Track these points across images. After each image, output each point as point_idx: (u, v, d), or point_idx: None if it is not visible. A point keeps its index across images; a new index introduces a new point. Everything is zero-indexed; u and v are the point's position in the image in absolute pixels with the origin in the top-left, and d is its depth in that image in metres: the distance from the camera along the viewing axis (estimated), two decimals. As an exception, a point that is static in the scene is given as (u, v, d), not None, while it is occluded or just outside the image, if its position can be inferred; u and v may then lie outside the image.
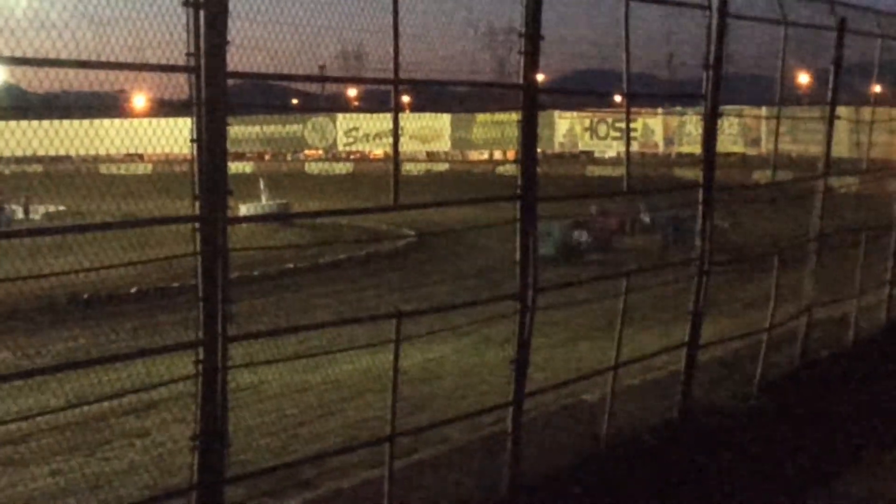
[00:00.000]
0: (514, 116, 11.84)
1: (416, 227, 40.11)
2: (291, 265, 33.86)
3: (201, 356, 9.01)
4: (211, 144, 8.81)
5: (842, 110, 18.58)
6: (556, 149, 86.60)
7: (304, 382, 15.56)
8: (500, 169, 70.59)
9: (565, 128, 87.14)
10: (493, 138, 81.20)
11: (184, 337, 9.55)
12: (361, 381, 15.33)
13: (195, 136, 8.80)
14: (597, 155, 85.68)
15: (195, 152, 8.81)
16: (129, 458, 13.76)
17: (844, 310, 19.41)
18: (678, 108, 52.21)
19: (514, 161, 12.03)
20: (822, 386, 16.62)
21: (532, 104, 11.78)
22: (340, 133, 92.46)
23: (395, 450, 10.97)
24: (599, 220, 38.63)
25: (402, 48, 10.35)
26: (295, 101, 71.43)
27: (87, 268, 10.76)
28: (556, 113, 77.73)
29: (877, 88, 20.06)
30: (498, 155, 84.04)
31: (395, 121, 10.67)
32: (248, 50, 9.19)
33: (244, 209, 38.77)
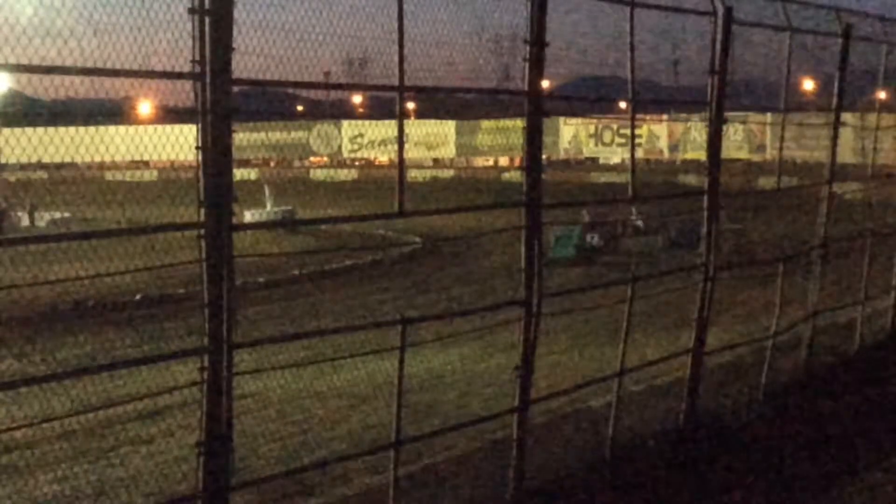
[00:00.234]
0: (520, 123, 11.85)
1: (422, 234, 40.09)
2: (296, 272, 33.83)
3: (206, 363, 9.01)
4: (216, 151, 8.82)
5: (847, 116, 18.58)
6: (562, 155, 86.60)
7: (310, 389, 15.54)
8: (506, 175, 70.57)
9: (570, 134, 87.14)
10: (498, 145, 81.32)
11: (189, 344, 9.56)
12: (367, 387, 15.33)
13: (200, 143, 8.81)
14: (602, 161, 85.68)
15: (200, 159, 8.82)
16: (134, 465, 13.76)
17: (850, 316, 19.39)
18: (683, 115, 52.16)
19: (520, 167, 12.03)
20: (827, 392, 16.60)
21: (537, 111, 11.79)
22: (345, 140, 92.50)
23: (400, 456, 10.97)
24: (607, 223, 39.40)
25: (407, 55, 10.36)
26: (300, 108, 71.61)
27: (92, 275, 10.78)
28: (562, 119, 77.65)
29: (882, 94, 20.05)
30: (503, 161, 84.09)
31: (400, 127, 10.68)
32: (253, 57, 9.20)
33: (249, 216, 38.84)
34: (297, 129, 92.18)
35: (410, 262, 37.97)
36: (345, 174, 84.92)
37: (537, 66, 11.65)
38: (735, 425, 14.92)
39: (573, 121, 78.76)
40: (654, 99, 15.66)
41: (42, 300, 21.06)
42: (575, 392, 14.16)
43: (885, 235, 20.36)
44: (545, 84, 11.95)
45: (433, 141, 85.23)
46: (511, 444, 11.97)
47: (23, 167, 61.33)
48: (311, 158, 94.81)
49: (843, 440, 14.66)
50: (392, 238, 40.97)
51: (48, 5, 8.25)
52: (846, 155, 19.64)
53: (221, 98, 8.79)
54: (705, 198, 14.80)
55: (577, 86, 15.90)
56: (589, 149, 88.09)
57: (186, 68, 8.74)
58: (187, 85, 8.86)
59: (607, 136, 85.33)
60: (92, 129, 11.84)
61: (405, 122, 10.76)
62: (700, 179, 15.23)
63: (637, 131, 14.01)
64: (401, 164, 10.82)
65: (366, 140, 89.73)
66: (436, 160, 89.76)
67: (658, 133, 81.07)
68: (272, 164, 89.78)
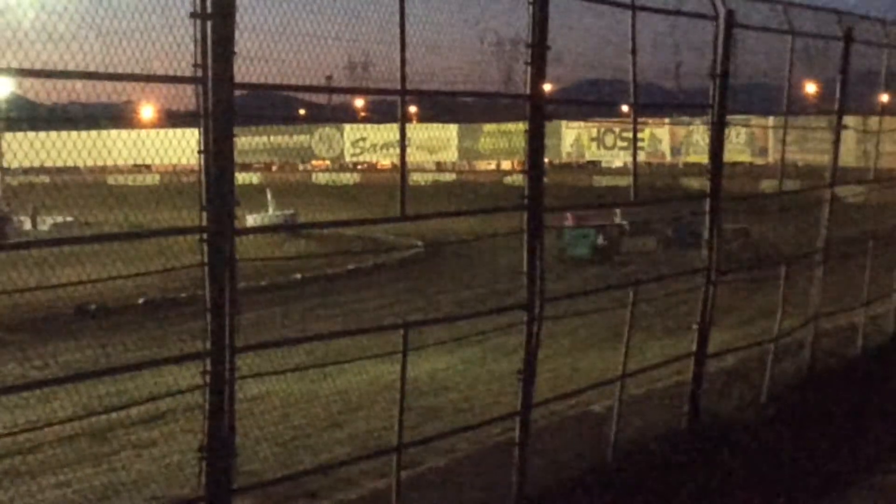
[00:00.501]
0: (522, 126, 11.85)
1: (424, 238, 40.10)
2: (299, 275, 33.85)
3: (209, 367, 9.01)
4: (218, 155, 8.82)
5: (849, 120, 18.58)
6: (564, 158, 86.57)
7: (312, 393, 15.55)
8: (508, 179, 70.53)
9: (572, 138, 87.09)
10: (500, 148, 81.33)
11: (191, 347, 9.56)
12: (369, 391, 15.35)
13: (202, 147, 8.82)
14: (604, 165, 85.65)
15: (202, 163, 8.83)
16: (136, 469, 13.76)
17: (852, 319, 19.39)
18: (685, 118, 52.19)
19: (522, 171, 12.03)
20: (830, 395, 16.58)
21: (539, 114, 11.80)
22: (348, 143, 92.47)
23: (402, 460, 10.97)
24: (611, 224, 40.43)
25: (410, 59, 10.37)
26: (302, 112, 71.56)
27: (94, 279, 10.78)
28: (564, 123, 77.58)
29: (884, 98, 20.05)
30: (505, 165, 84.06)
31: (402, 131, 10.69)
32: (254, 61, 9.21)
33: (251, 220, 38.85)
34: (300, 133, 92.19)
35: (413, 265, 37.99)
36: (347, 178, 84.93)
37: (539, 69, 11.65)
38: (737, 428, 14.90)
39: (575, 124, 78.77)
40: (656, 102, 15.66)
41: (44, 304, 21.04)
42: (578, 395, 14.17)
43: (888, 238, 20.35)
44: (547, 87, 11.96)
45: (435, 144, 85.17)
46: (513, 447, 11.97)
47: (25, 171, 61.37)
48: (314, 162, 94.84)
49: (847, 443, 14.65)
50: (394, 242, 40.98)
51: (50, 9, 8.26)
52: (848, 158, 19.64)
53: (223, 102, 8.79)
54: (707, 201, 14.81)
55: (579, 89, 15.92)
56: (591, 152, 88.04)
57: (188, 72, 8.74)
58: (189, 89, 8.87)
59: (609, 140, 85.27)
60: (94, 132, 11.85)
61: (407, 125, 10.77)
62: (702, 183, 15.23)
63: (639, 135, 14.01)
64: (403, 168, 10.82)
65: (368, 144, 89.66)
66: (438, 164, 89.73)
67: (660, 136, 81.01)
68: (274, 167, 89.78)
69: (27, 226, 49.77)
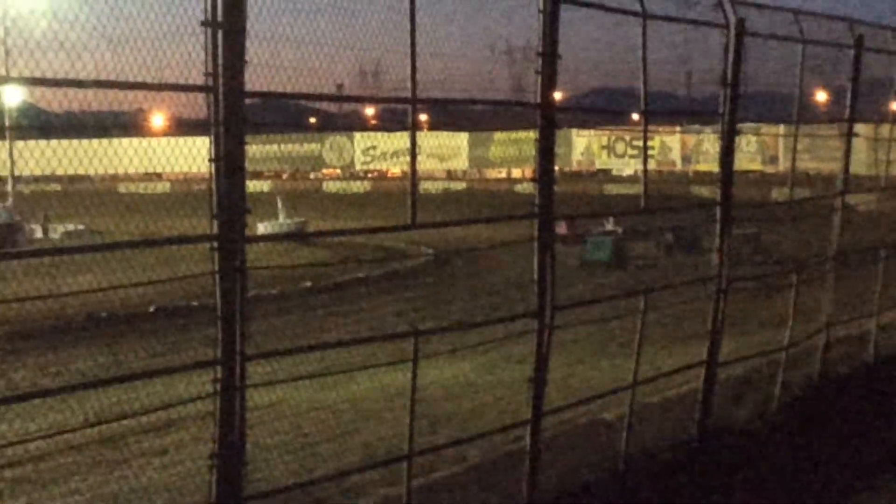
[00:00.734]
0: (532, 134, 11.85)
1: (435, 246, 40.08)
2: (309, 284, 33.86)
3: (220, 375, 9.02)
4: (229, 163, 8.84)
5: (860, 127, 18.55)
6: (574, 167, 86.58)
7: (323, 400, 15.54)
8: (518, 187, 70.59)
9: (583, 146, 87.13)
10: (510, 156, 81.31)
11: (202, 355, 9.57)
12: (379, 399, 15.34)
13: (213, 155, 8.83)
14: (614, 173, 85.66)
15: (213, 171, 8.84)
16: (147, 477, 13.76)
17: (864, 327, 19.35)
18: (696, 126, 52.21)
19: (532, 179, 12.03)
20: (841, 404, 16.56)
21: (549, 122, 11.80)
22: (358, 151, 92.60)
23: (413, 468, 10.97)
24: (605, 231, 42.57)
25: (420, 67, 10.38)
26: (313, 120, 71.67)
27: (105, 287, 10.81)
28: (574, 131, 77.64)
29: (895, 106, 20.03)
30: (516, 173, 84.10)
31: (413, 139, 10.70)
32: (265, 69, 9.22)
33: (262, 228, 38.90)
34: (310, 141, 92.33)
35: (423, 273, 37.95)
36: (357, 186, 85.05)
37: (549, 77, 11.66)
38: (749, 437, 14.88)
39: (585, 132, 78.76)
40: (666, 110, 15.65)
41: (55, 311, 21.07)
42: (589, 403, 14.15)
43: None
44: (557, 96, 11.96)
45: (445, 153, 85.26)
46: (524, 455, 11.96)
47: (37, 179, 61.58)
48: (324, 170, 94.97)
49: (859, 451, 14.63)
50: (405, 250, 40.97)
51: (62, 18, 8.28)
52: (859, 166, 19.61)
53: (234, 110, 8.81)
54: (718, 209, 14.80)
55: (589, 97, 15.92)
56: (601, 160, 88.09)
57: (199, 80, 8.76)
58: (200, 97, 8.89)
59: (620, 148, 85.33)
60: (105, 141, 11.88)
61: (418, 133, 10.78)
62: (713, 191, 15.22)
63: (649, 143, 14.02)
64: (413, 176, 10.82)
65: (378, 152, 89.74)
66: (448, 172, 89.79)
67: (671, 144, 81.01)
68: (285, 176, 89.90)
69: (38, 234, 49.89)
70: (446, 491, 12.03)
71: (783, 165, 56.53)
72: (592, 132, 78.48)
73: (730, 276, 14.86)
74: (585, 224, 40.27)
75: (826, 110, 19.61)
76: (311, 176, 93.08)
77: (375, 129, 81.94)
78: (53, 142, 10.75)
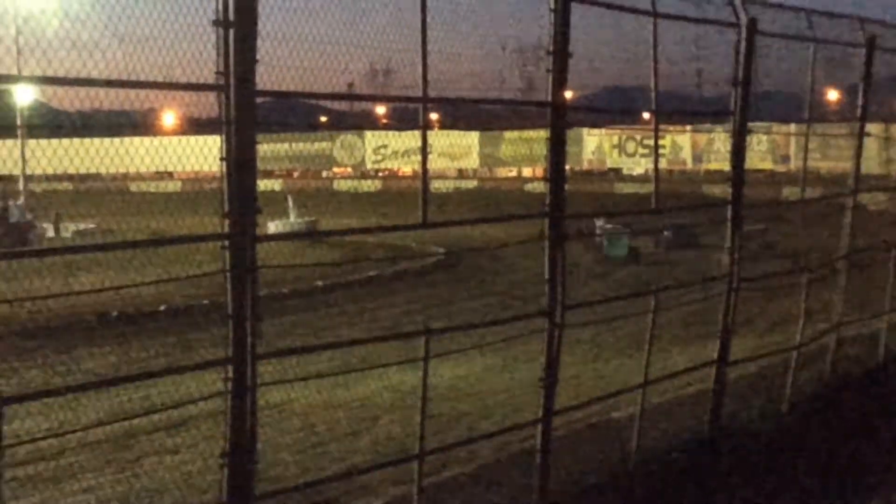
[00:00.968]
0: (543, 134, 11.85)
1: (445, 245, 40.08)
2: (320, 282, 33.85)
3: (230, 374, 9.04)
4: (240, 162, 8.85)
5: (871, 127, 18.52)
6: (585, 166, 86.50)
7: (333, 399, 15.56)
8: (529, 186, 70.55)
9: (594, 145, 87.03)
10: (521, 155, 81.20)
11: (213, 354, 9.58)
12: (390, 398, 15.34)
13: (224, 154, 8.85)
14: (625, 172, 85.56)
15: (224, 170, 8.86)
16: (159, 476, 13.78)
17: (874, 327, 19.31)
18: (707, 125, 52.15)
19: (543, 178, 12.03)
20: (852, 403, 16.54)
21: (560, 121, 11.79)
22: (369, 150, 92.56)
23: (424, 467, 10.97)
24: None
25: (431, 66, 10.39)
26: (324, 119, 71.66)
27: (116, 286, 10.83)
28: (585, 130, 77.56)
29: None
30: (527, 172, 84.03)
31: (424, 138, 10.70)
32: (276, 68, 9.24)
33: (273, 227, 38.90)
34: (321, 140, 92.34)
35: (434, 272, 37.95)
36: (368, 185, 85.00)
37: (560, 76, 11.65)
38: (759, 436, 14.87)
39: (596, 131, 78.68)
40: (677, 110, 15.63)
41: (66, 310, 21.10)
42: (599, 402, 14.15)
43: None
44: (568, 94, 11.95)
45: (456, 152, 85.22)
46: (535, 454, 11.96)
47: (48, 178, 61.70)
48: (335, 169, 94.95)
49: (869, 452, 14.61)
50: (416, 249, 40.95)
51: (74, 17, 8.30)
52: (871, 165, 19.58)
53: (245, 109, 8.82)
54: (729, 208, 14.79)
55: (600, 96, 15.91)
56: (612, 159, 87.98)
57: (211, 79, 8.77)
58: (211, 96, 8.91)
59: (631, 147, 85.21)
60: (116, 140, 11.90)
61: (429, 132, 10.78)
62: (724, 190, 15.21)
63: (660, 142, 14.01)
64: (424, 176, 10.83)
65: (389, 151, 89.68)
66: (459, 171, 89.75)
67: (681, 143, 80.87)
68: (296, 174, 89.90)
69: (50, 233, 49.97)
70: (457, 490, 12.03)
71: (794, 164, 56.46)
72: (603, 131, 78.38)
73: (741, 274, 14.85)
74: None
75: (837, 109, 19.59)
76: (322, 175, 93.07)
77: (386, 127, 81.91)
78: (65, 141, 10.74)
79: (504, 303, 26.62)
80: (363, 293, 32.92)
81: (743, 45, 14.40)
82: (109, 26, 8.37)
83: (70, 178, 66.65)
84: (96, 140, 10.89)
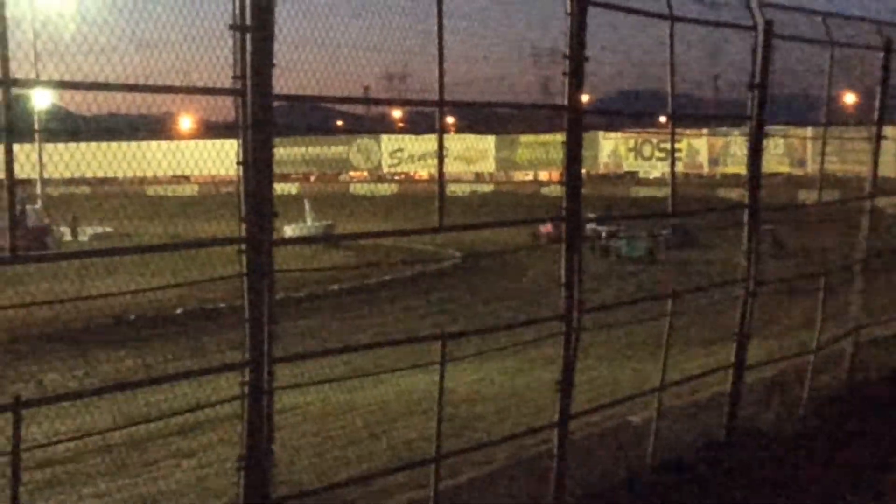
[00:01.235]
0: (559, 137, 11.84)
1: (462, 248, 40.10)
2: (337, 286, 33.91)
3: (247, 377, 9.05)
4: (257, 166, 8.87)
5: (889, 130, 18.46)
6: (601, 169, 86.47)
7: (350, 403, 15.58)
8: (545, 190, 70.57)
9: (610, 148, 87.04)
10: (537, 159, 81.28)
11: (230, 358, 9.59)
12: (407, 401, 15.35)
13: (241, 158, 8.86)
14: (641, 175, 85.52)
15: (241, 174, 8.87)
16: (175, 479, 13.82)
17: (892, 331, 19.25)
18: (723, 129, 52.11)
19: (559, 182, 12.02)
20: (869, 408, 16.48)
21: (576, 125, 11.78)
22: (385, 154, 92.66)
23: (440, 471, 10.97)
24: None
25: (447, 70, 10.39)
26: (340, 123, 71.78)
27: (133, 290, 10.84)
28: (601, 133, 77.54)
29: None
30: (543, 176, 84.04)
31: (440, 142, 10.70)
32: (293, 72, 9.25)
33: (289, 230, 38.96)
34: (337, 144, 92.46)
35: (451, 276, 37.98)
36: (385, 189, 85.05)
37: (577, 80, 11.64)
38: (776, 440, 14.83)
39: (612, 135, 78.70)
40: (693, 113, 15.61)
41: (84, 314, 21.15)
42: (616, 406, 14.12)
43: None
44: (585, 98, 11.94)
45: (472, 155, 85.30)
46: (551, 458, 11.95)
47: (66, 182, 61.88)
48: (351, 173, 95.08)
49: (887, 456, 14.56)
50: (432, 253, 40.99)
51: (91, 22, 8.32)
52: (887, 169, 19.51)
53: (262, 113, 8.84)
54: (745, 212, 14.76)
55: (616, 100, 15.90)
56: (628, 163, 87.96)
57: (228, 84, 8.79)
58: (228, 100, 8.92)
59: (647, 150, 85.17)
60: (133, 144, 11.93)
61: (445, 136, 10.78)
62: (740, 193, 15.18)
63: (677, 145, 13.99)
64: (440, 179, 10.82)
65: (406, 154, 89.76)
66: (476, 174, 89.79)
67: (698, 147, 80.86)
68: (312, 178, 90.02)
69: (67, 236, 50.12)
70: (474, 494, 12.03)
71: (811, 168, 56.30)
72: (619, 134, 78.34)
73: (758, 278, 14.82)
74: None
75: (854, 112, 19.53)
76: (339, 178, 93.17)
77: (402, 131, 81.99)
78: (82, 144, 10.77)
79: (520, 306, 26.60)
80: (380, 296, 32.96)
81: (760, 48, 14.37)
82: (127, 30, 8.39)
83: (87, 181, 66.83)
84: (113, 144, 10.91)
